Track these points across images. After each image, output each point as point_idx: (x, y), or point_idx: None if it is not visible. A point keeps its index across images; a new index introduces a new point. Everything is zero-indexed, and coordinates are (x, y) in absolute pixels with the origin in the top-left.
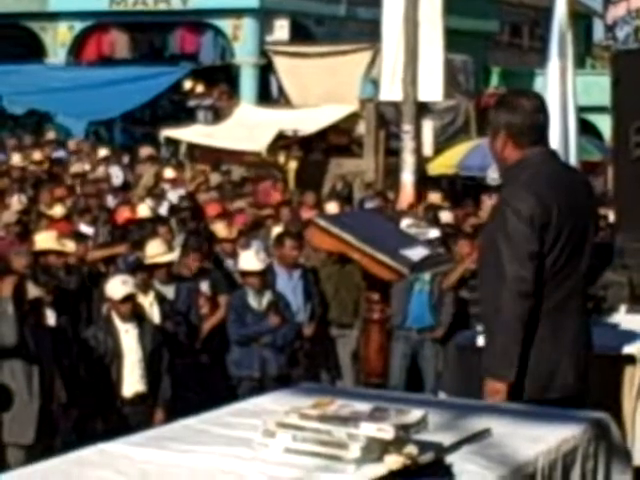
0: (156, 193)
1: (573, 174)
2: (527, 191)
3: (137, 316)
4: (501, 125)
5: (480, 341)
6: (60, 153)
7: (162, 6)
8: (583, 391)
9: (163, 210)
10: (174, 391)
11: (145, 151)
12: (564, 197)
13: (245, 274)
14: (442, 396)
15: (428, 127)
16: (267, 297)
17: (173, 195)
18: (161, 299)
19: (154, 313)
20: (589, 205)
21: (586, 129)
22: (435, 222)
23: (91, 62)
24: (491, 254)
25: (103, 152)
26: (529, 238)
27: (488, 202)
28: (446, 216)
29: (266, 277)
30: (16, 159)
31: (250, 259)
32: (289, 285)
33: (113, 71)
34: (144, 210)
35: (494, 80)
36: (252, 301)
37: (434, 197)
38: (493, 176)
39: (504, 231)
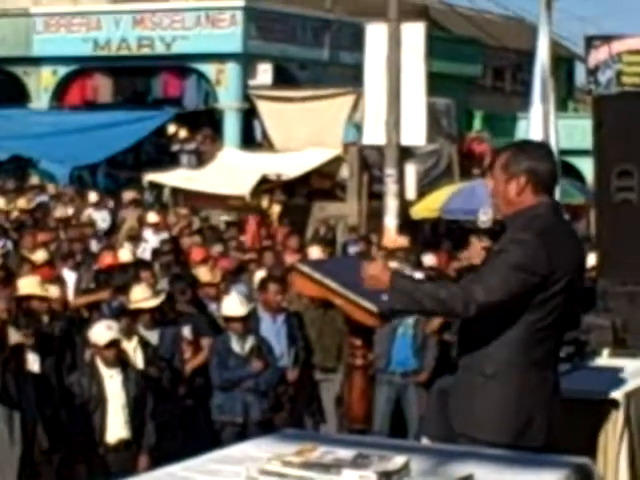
0: (133, 236)
1: (569, 227)
2: (538, 238)
3: (121, 362)
4: (521, 170)
5: None
6: (43, 198)
7: (146, 51)
8: (553, 442)
9: (145, 254)
10: (158, 437)
11: (128, 195)
12: (567, 254)
13: (228, 319)
14: (425, 441)
15: (411, 171)
16: (250, 342)
17: (155, 239)
18: (145, 344)
19: (138, 358)
20: (581, 258)
21: (569, 172)
22: (418, 265)
23: (74, 107)
24: None
25: (93, 197)
26: (519, 283)
27: (477, 244)
28: (429, 259)
29: (249, 322)
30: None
31: (233, 304)
32: (273, 329)
33: (96, 116)
34: (126, 255)
35: (477, 124)
36: (235, 346)
37: (401, 241)
38: (484, 219)
39: (506, 258)
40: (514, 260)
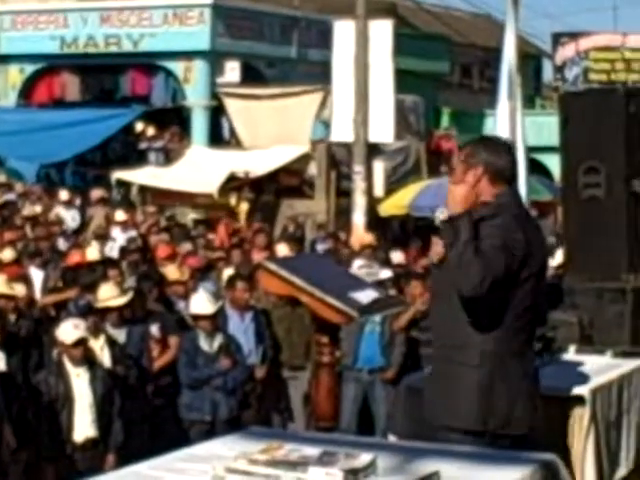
0: (101, 234)
1: (533, 218)
2: (513, 222)
3: (88, 360)
4: (479, 161)
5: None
6: (10, 196)
7: (113, 48)
8: (534, 433)
9: (112, 252)
10: (125, 436)
11: (96, 193)
12: (536, 240)
13: (196, 317)
14: (392, 438)
15: (379, 168)
16: (218, 340)
17: (123, 237)
18: (112, 343)
19: (105, 357)
20: (545, 250)
21: (536, 169)
22: (386, 263)
23: (42, 105)
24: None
25: (64, 195)
26: (509, 265)
27: (439, 243)
28: (397, 257)
29: (217, 320)
30: None
31: (201, 302)
32: (241, 327)
33: (64, 114)
34: (93, 253)
35: (445, 121)
36: (203, 344)
37: (367, 238)
38: (441, 217)
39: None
40: (498, 242)
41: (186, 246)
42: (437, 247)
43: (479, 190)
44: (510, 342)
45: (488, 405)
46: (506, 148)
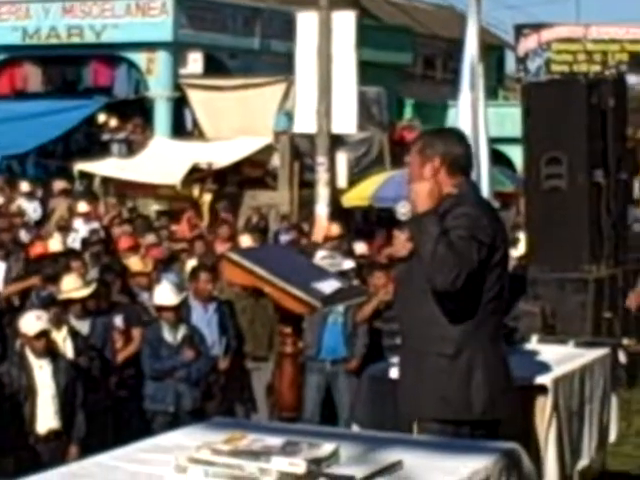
0: (63, 226)
1: (492, 207)
2: (478, 210)
3: (51, 352)
4: (436, 153)
5: (393, 373)
6: None
7: (75, 39)
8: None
9: (75, 244)
10: (89, 427)
11: (58, 185)
12: (498, 228)
13: (160, 308)
14: (355, 428)
15: (342, 159)
16: (182, 331)
17: (86, 229)
18: (74, 334)
19: (68, 348)
20: (507, 240)
21: (499, 160)
22: (350, 253)
23: (4, 96)
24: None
25: (25, 186)
26: (478, 254)
27: (402, 237)
28: (360, 247)
29: (181, 311)
30: None
31: (165, 293)
32: (204, 318)
33: (26, 105)
34: (55, 244)
35: (407, 112)
36: (167, 335)
37: (335, 229)
38: (403, 211)
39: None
40: (465, 234)
41: (150, 237)
42: (401, 240)
43: (438, 182)
44: (484, 329)
45: (468, 393)
46: (460, 137)
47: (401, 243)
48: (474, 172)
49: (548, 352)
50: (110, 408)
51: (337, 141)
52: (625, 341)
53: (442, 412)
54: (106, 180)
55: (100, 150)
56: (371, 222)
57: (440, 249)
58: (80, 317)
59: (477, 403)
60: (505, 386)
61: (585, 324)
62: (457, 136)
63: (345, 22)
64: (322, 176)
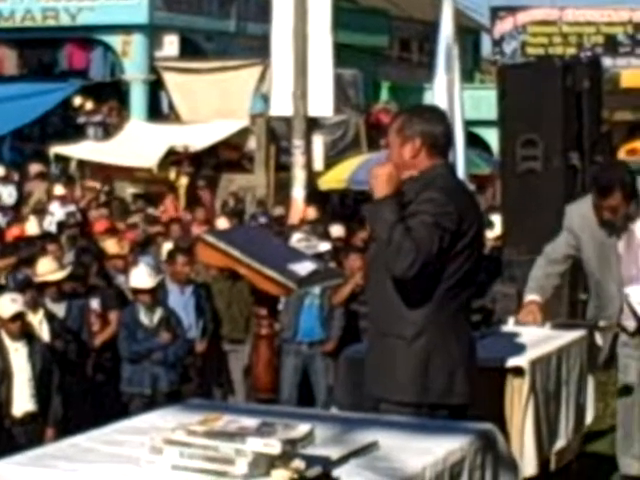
0: (39, 209)
1: (467, 188)
2: (444, 195)
3: (26, 335)
4: (416, 132)
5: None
6: None
7: (51, 22)
8: (472, 404)
9: (51, 227)
10: (65, 409)
11: (35, 168)
12: (470, 210)
13: (136, 291)
14: (333, 410)
15: (318, 142)
16: (158, 313)
17: (62, 212)
18: (50, 317)
19: (44, 331)
20: (480, 219)
21: (476, 143)
22: (326, 236)
23: None
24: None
25: (0, 171)
26: (440, 241)
27: None
28: (337, 230)
29: (157, 294)
30: None
31: (141, 276)
32: (181, 301)
33: (1, 88)
34: (32, 227)
35: (384, 95)
36: (143, 318)
37: (310, 212)
38: None
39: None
40: (429, 219)
41: (133, 219)
42: None
43: (417, 163)
44: (444, 314)
45: (425, 377)
46: (441, 116)
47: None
48: (450, 155)
49: (524, 334)
50: (87, 391)
51: (313, 124)
52: (601, 323)
53: (401, 395)
54: (82, 163)
55: (76, 133)
56: (347, 205)
57: (396, 236)
58: (56, 300)
59: (434, 388)
60: (466, 372)
61: (561, 306)
62: (437, 114)
63: (321, 4)
64: (298, 159)
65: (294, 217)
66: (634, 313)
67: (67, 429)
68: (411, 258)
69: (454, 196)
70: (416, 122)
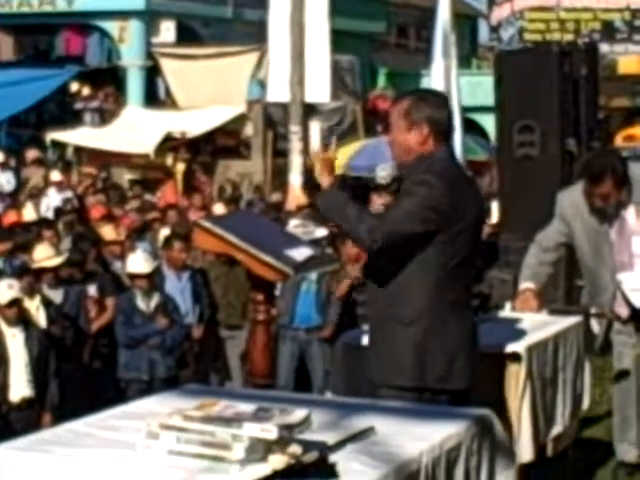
0: (35, 194)
1: (466, 173)
2: (440, 179)
3: (23, 320)
4: (423, 118)
5: (365, 340)
6: None
7: (47, 8)
8: (473, 389)
9: (48, 213)
10: (62, 395)
11: (31, 154)
12: (468, 195)
13: (133, 277)
14: (329, 396)
15: (315, 128)
16: (155, 299)
17: (59, 198)
18: (47, 303)
19: (40, 317)
20: (480, 203)
21: (473, 129)
22: (323, 222)
23: None
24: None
25: None
26: (423, 219)
27: (378, 201)
28: None
29: (154, 279)
30: None
31: (138, 261)
32: (178, 287)
33: None
34: (29, 213)
35: (381, 81)
36: (140, 303)
37: (302, 198)
38: (382, 174)
39: (411, 198)
40: (419, 199)
41: (132, 204)
42: (376, 206)
43: (424, 149)
44: (443, 298)
45: (424, 361)
46: (445, 102)
47: (376, 207)
48: None
49: (521, 320)
50: (84, 377)
51: (310, 110)
52: (594, 310)
53: (401, 379)
54: (79, 149)
55: (73, 119)
56: (344, 191)
57: (352, 211)
58: (53, 286)
59: (431, 372)
60: (466, 356)
61: (558, 292)
62: (442, 99)
63: None
64: (295, 145)
65: (291, 203)
66: (627, 300)
67: (64, 415)
68: (371, 224)
69: (452, 180)
70: (423, 107)
